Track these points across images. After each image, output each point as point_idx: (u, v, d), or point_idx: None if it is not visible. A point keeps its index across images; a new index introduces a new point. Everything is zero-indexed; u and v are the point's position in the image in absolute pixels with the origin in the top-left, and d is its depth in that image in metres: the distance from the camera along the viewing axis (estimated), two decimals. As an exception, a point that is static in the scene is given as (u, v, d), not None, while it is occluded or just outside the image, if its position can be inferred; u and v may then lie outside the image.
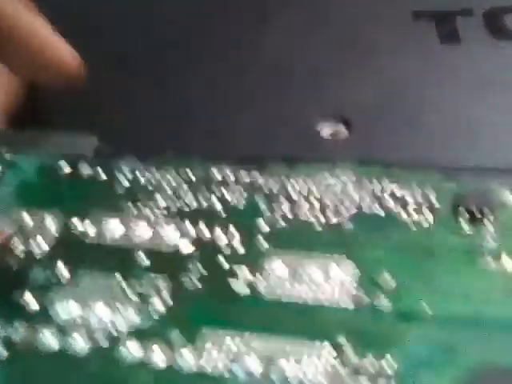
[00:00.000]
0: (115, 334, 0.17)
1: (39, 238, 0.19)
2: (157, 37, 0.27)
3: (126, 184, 0.20)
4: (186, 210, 0.20)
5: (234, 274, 0.18)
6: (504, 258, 0.17)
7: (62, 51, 0.23)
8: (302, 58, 0.25)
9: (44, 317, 0.17)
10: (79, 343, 0.17)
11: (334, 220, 0.19)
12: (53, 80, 0.23)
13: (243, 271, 0.18)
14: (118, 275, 0.18)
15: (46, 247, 0.19)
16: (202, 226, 0.19)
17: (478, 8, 0.25)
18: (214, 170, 0.20)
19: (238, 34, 0.26)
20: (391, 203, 0.19)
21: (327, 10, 0.27)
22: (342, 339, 0.16)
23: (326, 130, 0.23)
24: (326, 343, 0.16)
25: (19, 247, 0.19)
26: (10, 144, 0.22)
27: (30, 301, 0.18)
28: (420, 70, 0.24)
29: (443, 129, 0.22)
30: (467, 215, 0.18)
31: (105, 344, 0.17)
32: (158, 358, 0.16)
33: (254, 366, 0.16)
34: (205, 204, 0.20)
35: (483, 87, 0.23)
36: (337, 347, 0.16)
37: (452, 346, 0.15)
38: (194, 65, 0.25)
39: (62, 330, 0.17)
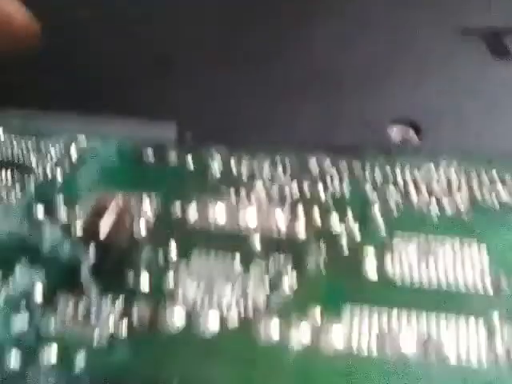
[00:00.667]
0: (244, 314, 0.16)
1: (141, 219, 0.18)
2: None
3: (219, 170, 0.20)
4: (289, 195, 0.19)
5: (358, 260, 0.17)
6: None
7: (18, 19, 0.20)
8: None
9: (164, 297, 0.16)
10: (205, 323, 0.16)
11: (449, 208, 0.18)
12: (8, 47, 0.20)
13: (369, 256, 0.17)
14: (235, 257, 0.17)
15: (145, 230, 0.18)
16: (313, 212, 0.18)
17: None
18: (312, 160, 0.20)
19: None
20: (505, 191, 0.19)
21: (381, 18, 0.27)
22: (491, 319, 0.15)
23: (396, 134, 0.23)
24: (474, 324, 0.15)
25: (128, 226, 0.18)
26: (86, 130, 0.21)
27: (145, 281, 0.17)
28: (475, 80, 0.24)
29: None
30: None
31: (236, 324, 0.16)
32: (298, 336, 0.15)
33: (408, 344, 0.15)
34: (308, 191, 0.19)
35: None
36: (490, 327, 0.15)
37: None
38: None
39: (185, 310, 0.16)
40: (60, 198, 0.19)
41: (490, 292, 0.16)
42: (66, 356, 0.15)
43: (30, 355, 0.15)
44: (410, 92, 0.24)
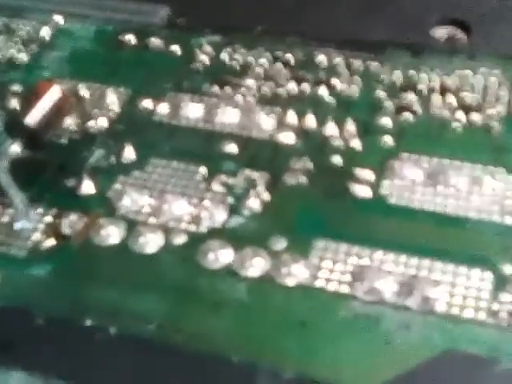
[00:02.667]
0: (195, 230, 0.13)
1: (97, 112, 0.15)
2: None
3: (207, 62, 0.16)
4: (285, 96, 0.15)
5: (351, 175, 0.13)
6: None
7: None
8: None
9: (104, 204, 0.13)
10: (150, 238, 0.13)
11: (478, 119, 0.14)
12: None
13: (364, 172, 0.13)
14: (200, 164, 0.14)
15: (105, 124, 0.15)
16: (308, 116, 0.15)
17: None
18: (320, 55, 0.16)
19: None
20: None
21: None
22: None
23: (441, 34, 0.19)
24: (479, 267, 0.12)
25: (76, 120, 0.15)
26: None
27: (88, 186, 0.14)
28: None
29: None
30: None
31: (180, 242, 0.13)
32: (254, 266, 0.12)
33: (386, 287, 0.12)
34: (309, 91, 0.15)
35: None
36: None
37: None
38: None
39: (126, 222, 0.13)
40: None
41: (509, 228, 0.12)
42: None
43: None
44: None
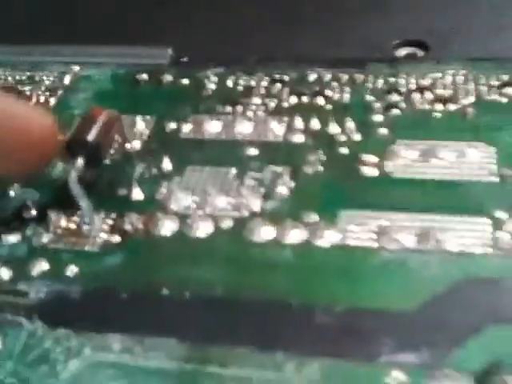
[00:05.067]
0: (238, 216, 0.15)
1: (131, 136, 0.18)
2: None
3: (215, 88, 0.19)
4: (289, 107, 0.18)
5: (358, 160, 0.16)
6: None
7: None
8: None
9: (155, 205, 0.16)
10: (200, 227, 0.15)
11: (454, 108, 0.17)
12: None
13: (368, 157, 0.16)
14: (229, 167, 0.16)
15: (138, 145, 0.17)
16: (312, 120, 0.18)
17: None
18: (312, 74, 0.19)
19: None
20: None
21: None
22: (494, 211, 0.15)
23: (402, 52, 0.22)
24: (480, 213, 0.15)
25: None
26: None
27: (138, 193, 0.16)
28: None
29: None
30: None
31: (228, 225, 0.15)
32: (294, 236, 0.15)
33: (406, 238, 0.14)
34: (308, 102, 0.18)
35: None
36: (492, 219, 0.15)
37: None
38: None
39: (178, 216, 0.16)
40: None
41: (496, 184, 0.15)
42: (57, 265, 0.15)
43: (21, 267, 0.15)
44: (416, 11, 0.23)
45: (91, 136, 0.15)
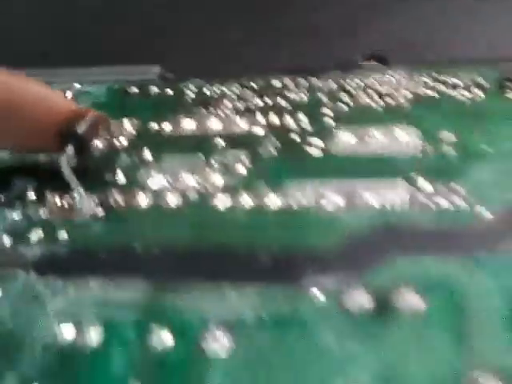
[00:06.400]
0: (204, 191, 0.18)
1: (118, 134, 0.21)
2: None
3: (193, 96, 0.22)
4: (254, 107, 0.21)
5: (307, 143, 0.19)
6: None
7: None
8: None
9: (135, 185, 0.19)
10: (172, 200, 0.18)
11: (393, 103, 0.20)
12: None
13: (315, 141, 0.19)
14: (199, 153, 0.20)
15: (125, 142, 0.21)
16: (271, 116, 0.21)
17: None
18: (275, 80, 0.22)
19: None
20: (444, 87, 0.21)
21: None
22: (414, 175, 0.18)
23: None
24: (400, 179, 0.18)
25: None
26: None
27: (121, 176, 0.19)
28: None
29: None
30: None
31: (196, 199, 0.18)
32: (246, 202, 0.18)
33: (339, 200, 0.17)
34: (270, 102, 0.21)
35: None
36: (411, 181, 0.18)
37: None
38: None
39: (154, 194, 0.19)
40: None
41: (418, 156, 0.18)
42: (51, 233, 0.18)
43: (21, 236, 0.18)
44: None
45: (80, 129, 0.19)
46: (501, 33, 0.24)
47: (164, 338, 0.14)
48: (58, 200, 0.19)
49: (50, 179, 0.20)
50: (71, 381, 0.14)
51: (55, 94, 0.20)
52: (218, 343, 0.14)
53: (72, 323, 0.15)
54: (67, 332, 0.15)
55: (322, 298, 0.15)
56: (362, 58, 0.24)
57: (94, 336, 0.15)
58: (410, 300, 0.14)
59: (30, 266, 0.17)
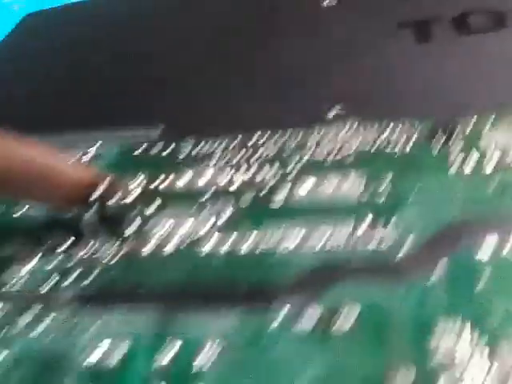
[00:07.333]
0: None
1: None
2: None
3: (185, 154, 0.28)
4: (232, 163, 0.27)
5: (272, 192, 0.25)
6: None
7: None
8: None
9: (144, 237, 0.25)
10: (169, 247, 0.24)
11: (338, 157, 0.26)
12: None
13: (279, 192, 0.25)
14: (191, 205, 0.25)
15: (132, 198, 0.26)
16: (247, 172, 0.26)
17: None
18: (253, 137, 0.28)
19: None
20: (382, 140, 0.26)
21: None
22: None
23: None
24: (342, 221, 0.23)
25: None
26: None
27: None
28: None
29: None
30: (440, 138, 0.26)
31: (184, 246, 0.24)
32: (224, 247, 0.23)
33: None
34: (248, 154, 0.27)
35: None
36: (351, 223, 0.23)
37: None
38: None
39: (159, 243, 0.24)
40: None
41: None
42: (82, 276, 0.24)
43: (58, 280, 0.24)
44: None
45: (103, 194, 0.25)
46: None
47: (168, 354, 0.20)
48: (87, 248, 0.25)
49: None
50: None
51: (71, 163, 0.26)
52: (207, 357, 0.20)
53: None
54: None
55: (280, 318, 0.20)
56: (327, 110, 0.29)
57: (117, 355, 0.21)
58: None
59: (65, 304, 0.23)
